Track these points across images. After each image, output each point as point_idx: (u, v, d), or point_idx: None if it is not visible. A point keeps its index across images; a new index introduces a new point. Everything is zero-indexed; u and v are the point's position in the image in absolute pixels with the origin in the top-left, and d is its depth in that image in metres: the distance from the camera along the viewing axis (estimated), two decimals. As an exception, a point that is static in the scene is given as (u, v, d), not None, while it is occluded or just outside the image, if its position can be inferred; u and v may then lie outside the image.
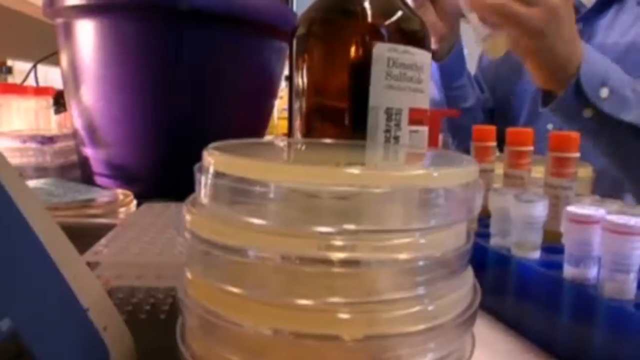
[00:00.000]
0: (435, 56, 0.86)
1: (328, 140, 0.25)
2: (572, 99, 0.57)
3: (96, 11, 0.51)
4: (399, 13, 0.30)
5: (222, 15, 0.51)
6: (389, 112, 0.28)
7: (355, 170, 0.15)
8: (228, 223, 0.16)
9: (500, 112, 0.98)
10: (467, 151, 1.10)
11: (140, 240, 0.29)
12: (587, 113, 0.57)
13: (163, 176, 0.55)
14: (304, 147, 0.26)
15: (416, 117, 0.29)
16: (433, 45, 0.83)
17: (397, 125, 0.28)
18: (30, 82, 0.91)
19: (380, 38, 0.28)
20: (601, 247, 0.21)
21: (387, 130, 0.28)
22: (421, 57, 0.29)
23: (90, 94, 0.54)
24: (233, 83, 0.54)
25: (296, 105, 0.30)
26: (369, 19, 0.29)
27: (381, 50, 0.28)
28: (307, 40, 0.30)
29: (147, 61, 0.51)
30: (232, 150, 0.18)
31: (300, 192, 0.16)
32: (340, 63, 0.29)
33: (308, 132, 0.30)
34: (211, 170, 0.17)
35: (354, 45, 0.28)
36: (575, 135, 0.24)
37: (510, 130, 0.30)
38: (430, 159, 0.25)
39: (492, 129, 0.29)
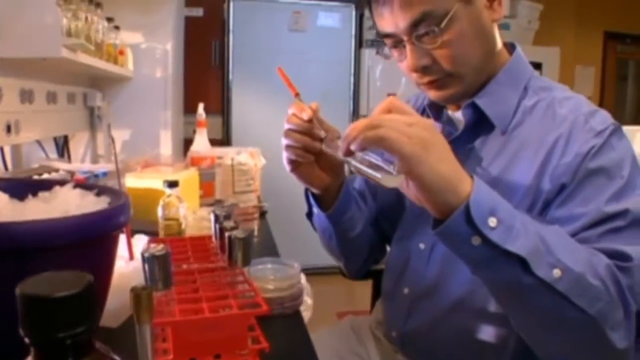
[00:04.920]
0: (322, 205, 0.88)
1: None
2: (461, 225, 0.57)
3: None
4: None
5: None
6: None
7: None
8: None
9: (382, 217, 1.01)
10: (363, 268, 1.09)
11: None
12: (476, 241, 0.57)
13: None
14: None
15: None
16: (317, 191, 0.86)
17: None
18: None
19: None
20: None
21: None
22: None
23: None
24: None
25: None
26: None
27: None
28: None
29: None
30: None
31: None
32: None
33: None
34: None
35: None
36: None
37: None
38: None
39: None
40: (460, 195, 0.57)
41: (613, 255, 0.64)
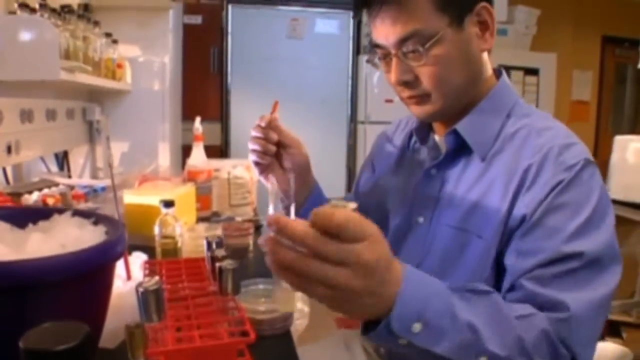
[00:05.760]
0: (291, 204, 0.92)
1: None
2: (385, 335, 0.56)
3: None
4: None
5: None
6: None
7: None
8: None
9: None
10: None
11: None
12: (402, 342, 0.57)
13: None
14: None
15: None
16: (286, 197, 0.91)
17: None
18: None
19: None
20: None
21: None
22: None
23: None
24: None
25: None
26: None
27: None
28: None
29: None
30: None
31: None
32: None
33: None
34: None
35: None
36: None
37: None
38: None
39: None
40: (383, 311, 0.55)
41: (554, 306, 0.66)
